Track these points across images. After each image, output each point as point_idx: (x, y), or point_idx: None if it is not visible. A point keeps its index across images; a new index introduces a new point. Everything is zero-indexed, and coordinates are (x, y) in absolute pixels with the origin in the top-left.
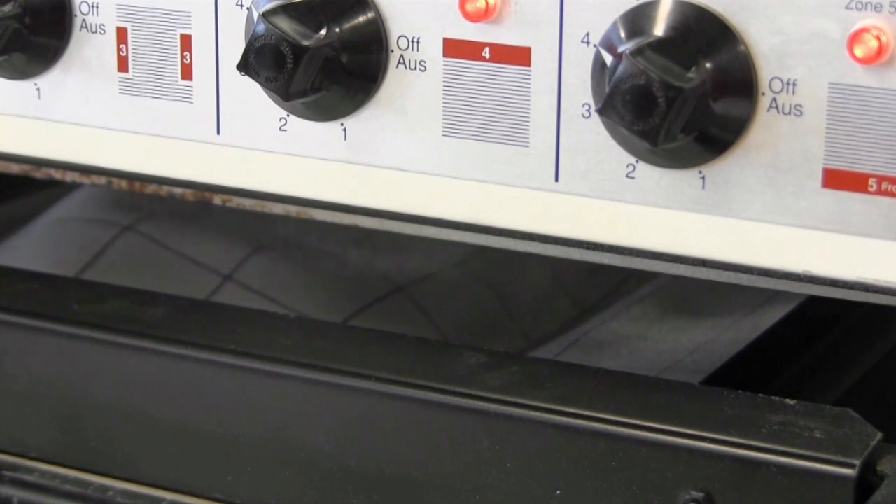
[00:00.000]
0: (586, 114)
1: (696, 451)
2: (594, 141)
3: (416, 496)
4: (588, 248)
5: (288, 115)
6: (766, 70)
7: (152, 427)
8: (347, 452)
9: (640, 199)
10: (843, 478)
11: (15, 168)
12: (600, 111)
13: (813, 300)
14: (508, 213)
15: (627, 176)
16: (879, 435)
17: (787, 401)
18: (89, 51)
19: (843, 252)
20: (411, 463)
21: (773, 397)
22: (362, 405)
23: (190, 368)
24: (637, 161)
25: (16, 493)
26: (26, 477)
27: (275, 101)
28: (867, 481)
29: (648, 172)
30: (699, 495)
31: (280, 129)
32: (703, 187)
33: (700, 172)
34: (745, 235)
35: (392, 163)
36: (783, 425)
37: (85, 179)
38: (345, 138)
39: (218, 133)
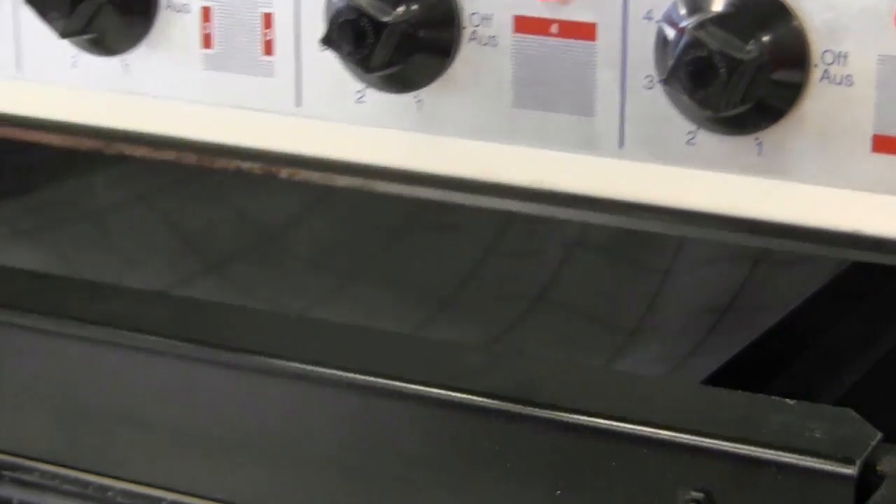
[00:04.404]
0: (649, 85)
1: (696, 451)
2: (656, 110)
3: (416, 496)
4: (649, 213)
5: (365, 88)
6: (819, 43)
7: (152, 427)
8: (347, 452)
9: (700, 164)
10: (844, 478)
11: (87, 144)
12: (664, 82)
13: (813, 300)
14: (575, 179)
15: (688, 143)
16: (879, 435)
17: (787, 401)
18: (174, 29)
19: (890, 212)
20: (411, 463)
21: (773, 397)
22: (362, 405)
23: (190, 368)
24: (698, 129)
25: (16, 494)
26: (26, 477)
27: (354, 74)
28: (867, 481)
29: (708, 139)
30: (699, 495)
31: (357, 101)
32: (760, 153)
33: (757, 139)
34: (798, 197)
35: (464, 132)
36: (783, 425)
37: (155, 155)
38: (419, 109)
39: (299, 105)
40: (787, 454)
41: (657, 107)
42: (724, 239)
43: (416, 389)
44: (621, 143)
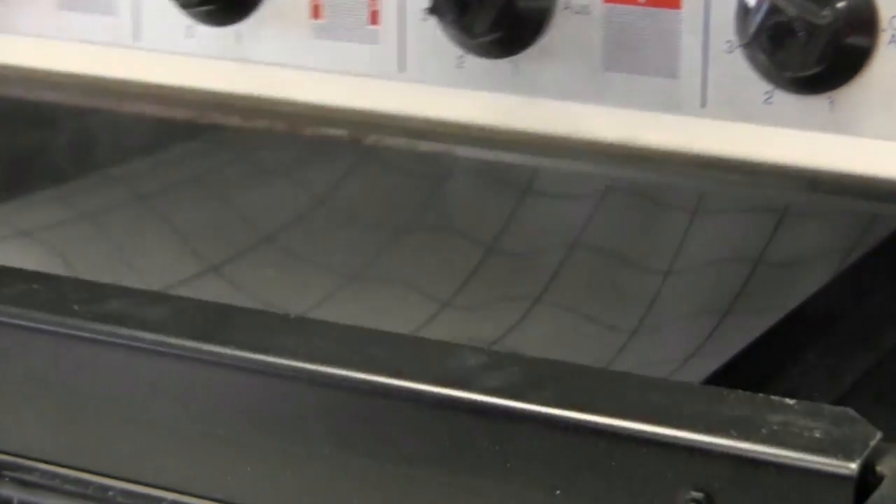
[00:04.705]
0: (729, 49)
1: (696, 451)
2: (736, 73)
3: (416, 496)
4: (729, 168)
5: (465, 54)
6: (886, 10)
7: (152, 427)
8: (347, 452)
9: (776, 122)
10: (843, 477)
11: (181, 115)
12: (745, 46)
13: (813, 300)
14: (660, 136)
15: (765, 102)
16: (879, 435)
17: (787, 401)
18: (286, 2)
19: None
20: (411, 463)
21: (773, 397)
22: (362, 405)
23: (190, 368)
24: (774, 89)
25: (16, 494)
26: (26, 477)
27: (455, 41)
28: (867, 481)
29: (784, 99)
30: (699, 495)
31: (457, 66)
32: (832, 111)
33: (829, 98)
34: (865, 151)
35: (557, 94)
36: (783, 425)
37: (261, 122)
38: (515, 74)
39: (402, 71)
40: (786, 454)
41: (737, 69)
42: (790, 188)
43: (415, 389)
44: (703, 103)
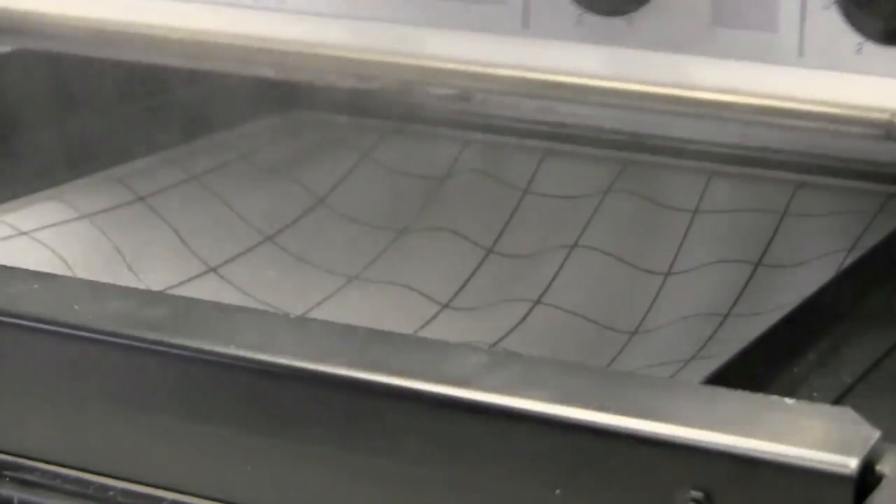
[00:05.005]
0: (826, 5)
1: (695, 450)
2: (831, 26)
3: (416, 496)
4: (825, 117)
5: (583, 12)
6: None
7: (152, 427)
8: (347, 452)
9: (868, 70)
10: (843, 477)
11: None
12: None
13: (813, 300)
14: (761, 85)
15: (857, 52)
16: (879, 434)
17: (787, 400)
18: None
19: None
20: (411, 462)
21: (773, 397)
22: (362, 405)
23: (190, 368)
24: (866, 40)
25: (16, 493)
26: (27, 477)
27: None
28: (867, 481)
29: (875, 50)
30: (699, 494)
31: (577, 23)
32: None
33: None
34: None
35: (669, 48)
36: (782, 424)
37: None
38: (631, 30)
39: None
40: (786, 453)
41: (832, 23)
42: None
43: (416, 389)
44: (801, 53)
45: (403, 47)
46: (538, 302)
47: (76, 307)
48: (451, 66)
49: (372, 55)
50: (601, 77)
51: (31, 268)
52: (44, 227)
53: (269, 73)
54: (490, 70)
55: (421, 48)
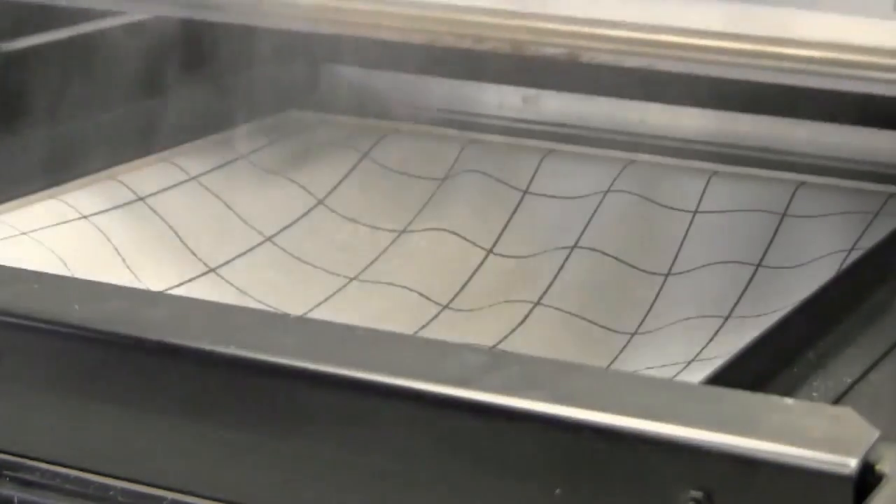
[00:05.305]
0: None
1: (695, 450)
2: None
3: (416, 496)
4: None
5: None
6: None
7: (153, 427)
8: (347, 452)
9: None
10: (843, 477)
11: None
12: None
13: (813, 300)
14: (858, 35)
15: None
16: (878, 434)
17: (787, 400)
18: None
19: None
20: (411, 463)
21: (773, 396)
22: (362, 404)
23: (190, 368)
24: None
25: (16, 493)
26: (27, 476)
27: None
28: (866, 481)
29: None
30: (699, 494)
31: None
32: None
33: None
34: None
35: (775, 2)
36: (782, 424)
37: None
38: None
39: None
40: (786, 453)
41: None
42: None
43: (416, 389)
44: (894, 7)
45: (515, 6)
46: (538, 303)
47: (76, 307)
48: (559, 25)
49: (483, 16)
50: (708, 34)
51: (31, 268)
52: (44, 227)
53: (391, 34)
54: (598, 30)
55: (529, 6)
